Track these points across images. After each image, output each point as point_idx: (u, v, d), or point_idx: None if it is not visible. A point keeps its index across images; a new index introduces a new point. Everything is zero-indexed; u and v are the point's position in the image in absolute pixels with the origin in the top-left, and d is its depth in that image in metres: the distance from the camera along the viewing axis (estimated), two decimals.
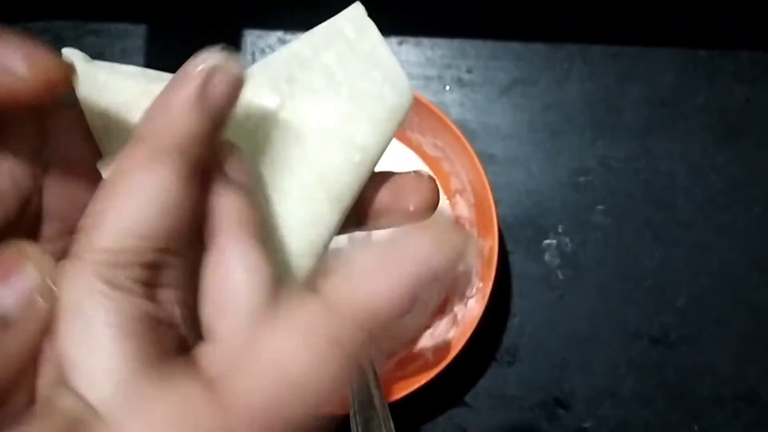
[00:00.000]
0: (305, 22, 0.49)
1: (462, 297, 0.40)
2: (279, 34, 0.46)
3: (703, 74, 0.45)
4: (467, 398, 0.42)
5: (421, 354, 0.40)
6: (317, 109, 0.22)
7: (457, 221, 0.42)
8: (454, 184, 0.42)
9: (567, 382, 0.42)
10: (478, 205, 0.39)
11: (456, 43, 0.46)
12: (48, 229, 0.21)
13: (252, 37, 0.46)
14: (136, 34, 0.46)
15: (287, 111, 0.22)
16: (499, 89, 0.45)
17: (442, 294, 0.42)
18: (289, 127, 0.22)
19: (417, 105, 0.39)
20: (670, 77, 0.45)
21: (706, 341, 0.43)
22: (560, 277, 0.43)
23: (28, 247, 0.18)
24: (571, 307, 0.43)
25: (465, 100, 0.45)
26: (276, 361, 0.16)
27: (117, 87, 0.22)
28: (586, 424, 0.42)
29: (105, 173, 0.21)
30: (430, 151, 0.42)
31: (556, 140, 0.45)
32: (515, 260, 0.43)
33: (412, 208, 0.23)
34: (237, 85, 0.19)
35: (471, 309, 0.38)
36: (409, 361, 0.40)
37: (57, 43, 0.48)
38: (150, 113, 0.19)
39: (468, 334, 0.37)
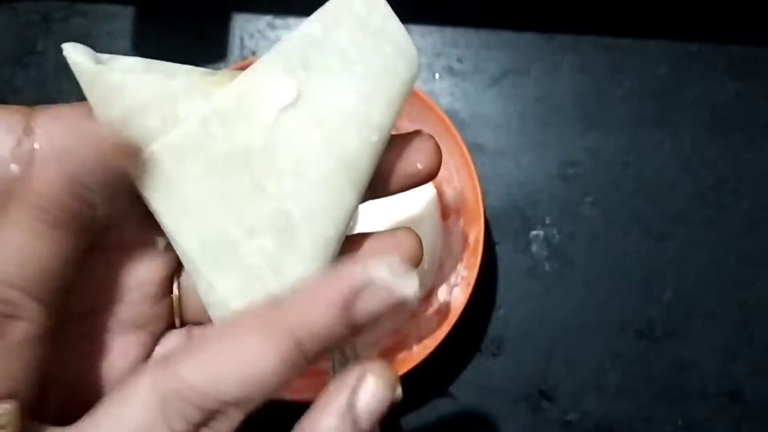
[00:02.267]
0: (295, 6, 0.49)
1: (447, 286, 0.40)
2: (269, 18, 0.45)
3: (695, 68, 0.45)
4: (451, 389, 0.42)
5: (405, 343, 0.39)
6: (334, 91, 0.22)
7: (444, 210, 0.41)
8: (442, 172, 0.41)
9: (552, 375, 0.42)
10: (466, 194, 0.39)
11: (447, 31, 0.45)
12: None
13: (241, 21, 0.45)
14: (124, 16, 0.46)
15: (305, 97, 0.22)
16: (489, 79, 0.45)
17: (428, 285, 0.41)
18: (308, 113, 0.22)
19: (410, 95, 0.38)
20: (662, 71, 0.45)
21: (693, 336, 0.42)
22: (547, 269, 0.43)
23: None
24: (557, 299, 0.43)
25: (455, 90, 0.45)
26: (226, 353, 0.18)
27: (133, 88, 0.21)
28: (570, 417, 0.42)
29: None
30: None
31: (546, 131, 0.44)
32: (502, 251, 0.43)
33: (420, 167, 0.23)
34: (392, 306, 0.19)
35: (456, 298, 0.38)
36: (393, 350, 0.39)
37: (45, 23, 0.48)
38: (296, 294, 0.19)
39: (453, 323, 0.37)
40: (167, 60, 0.24)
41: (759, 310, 0.42)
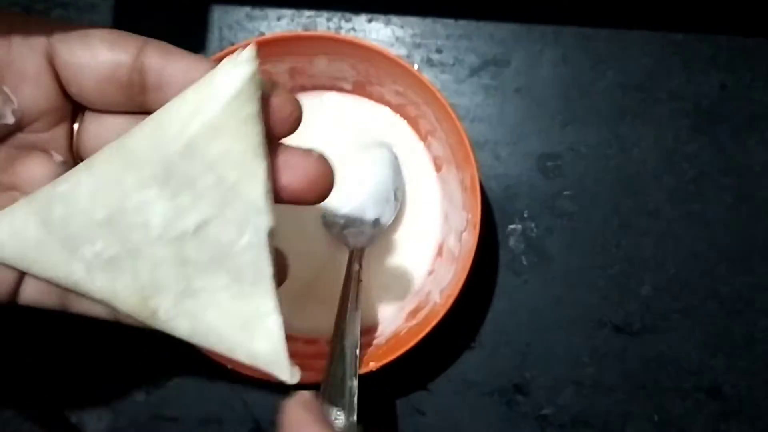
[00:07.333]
0: None
1: (456, 234, 0.40)
2: (247, 9, 0.45)
3: (679, 59, 0.44)
4: (426, 382, 0.42)
5: (428, 300, 0.40)
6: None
7: (435, 162, 0.42)
8: (424, 126, 0.41)
9: (528, 369, 0.42)
10: (450, 140, 0.39)
11: (427, 21, 0.45)
12: None
13: (219, 12, 0.45)
14: (104, 7, 0.45)
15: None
16: (469, 70, 0.44)
17: (437, 236, 0.42)
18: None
19: (370, 54, 0.38)
20: (645, 61, 0.44)
21: (671, 331, 0.42)
22: (524, 262, 0.43)
23: None
24: (534, 293, 0.43)
25: (434, 81, 0.44)
26: None
27: None
28: (546, 412, 0.42)
29: None
30: (394, 99, 0.41)
31: (526, 123, 0.44)
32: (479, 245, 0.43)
33: (284, 182, 0.23)
34: None
35: (466, 242, 0.38)
36: (416, 309, 0.40)
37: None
38: None
39: (468, 267, 0.36)
40: None
41: (738, 305, 0.42)
